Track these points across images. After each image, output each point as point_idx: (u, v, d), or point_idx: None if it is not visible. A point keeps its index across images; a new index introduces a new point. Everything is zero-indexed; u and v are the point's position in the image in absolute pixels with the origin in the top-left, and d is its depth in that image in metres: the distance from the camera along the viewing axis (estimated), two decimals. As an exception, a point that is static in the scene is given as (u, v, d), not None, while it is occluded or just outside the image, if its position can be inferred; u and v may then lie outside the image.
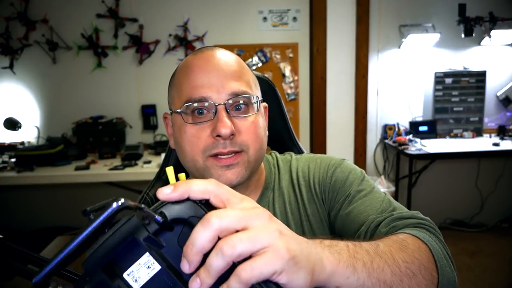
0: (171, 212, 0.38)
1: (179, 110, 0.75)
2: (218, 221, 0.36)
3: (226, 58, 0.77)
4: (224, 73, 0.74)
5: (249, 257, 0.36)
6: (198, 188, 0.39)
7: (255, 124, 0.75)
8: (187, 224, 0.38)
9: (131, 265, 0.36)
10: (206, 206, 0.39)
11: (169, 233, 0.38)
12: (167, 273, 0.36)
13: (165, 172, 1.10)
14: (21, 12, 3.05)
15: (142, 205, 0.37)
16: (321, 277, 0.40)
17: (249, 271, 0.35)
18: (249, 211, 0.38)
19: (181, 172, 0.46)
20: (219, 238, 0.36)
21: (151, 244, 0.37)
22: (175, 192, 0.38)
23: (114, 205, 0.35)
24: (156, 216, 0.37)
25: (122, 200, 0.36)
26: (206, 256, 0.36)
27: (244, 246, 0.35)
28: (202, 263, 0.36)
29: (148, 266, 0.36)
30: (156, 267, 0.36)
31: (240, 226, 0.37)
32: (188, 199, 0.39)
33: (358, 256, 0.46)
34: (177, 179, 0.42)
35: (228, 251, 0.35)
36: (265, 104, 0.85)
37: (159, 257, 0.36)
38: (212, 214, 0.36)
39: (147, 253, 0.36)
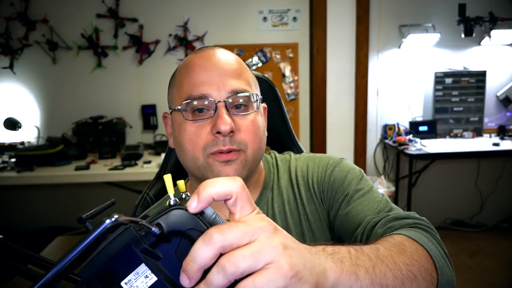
0: (168, 224, 0.37)
1: (179, 107, 0.75)
2: (221, 238, 0.35)
3: (227, 57, 0.77)
4: (224, 71, 0.75)
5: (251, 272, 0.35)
6: (221, 190, 0.38)
7: (254, 123, 0.76)
8: (185, 237, 0.38)
9: (128, 274, 0.36)
10: (205, 218, 0.38)
11: (166, 245, 0.37)
12: (164, 285, 0.36)
13: (165, 172, 1.10)
14: (21, 12, 3.05)
15: (138, 219, 0.37)
16: (325, 287, 0.40)
17: None
18: (253, 225, 0.37)
19: (179, 178, 0.45)
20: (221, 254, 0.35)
21: (148, 255, 0.36)
22: (203, 202, 0.38)
23: (107, 221, 0.35)
24: (153, 229, 0.36)
25: (116, 216, 0.35)
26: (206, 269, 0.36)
27: (247, 264, 0.34)
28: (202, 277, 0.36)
29: (146, 276, 0.36)
30: (154, 277, 0.36)
31: (244, 242, 0.36)
32: (185, 209, 0.38)
33: (360, 262, 0.46)
34: (175, 185, 0.42)
35: (231, 269, 0.34)
36: (264, 105, 0.85)
37: (156, 269, 0.36)
38: (214, 231, 0.35)
39: (143, 264, 0.36)
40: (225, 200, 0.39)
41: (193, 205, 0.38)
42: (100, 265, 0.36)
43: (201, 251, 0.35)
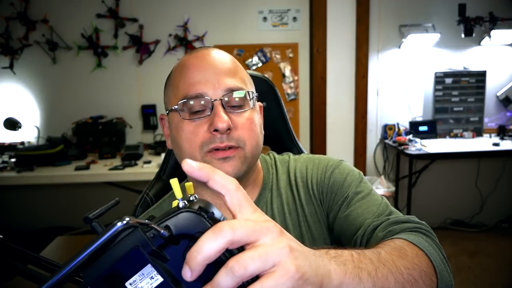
0: (177, 226, 0.37)
1: (176, 107, 0.75)
2: (231, 232, 0.34)
3: (221, 56, 0.78)
4: (219, 70, 0.75)
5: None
6: (220, 179, 0.39)
7: (250, 120, 0.76)
8: (193, 239, 0.37)
9: (133, 275, 0.35)
10: (214, 220, 0.38)
11: (174, 247, 0.37)
12: (170, 286, 0.35)
13: (165, 172, 1.10)
14: (21, 12, 3.05)
15: (148, 222, 0.36)
16: None
17: None
18: (261, 225, 0.37)
19: (180, 178, 0.45)
20: (227, 257, 0.35)
21: (156, 257, 0.36)
22: (200, 170, 0.39)
23: (118, 224, 0.35)
24: (162, 231, 0.36)
25: (127, 219, 0.35)
26: (209, 270, 0.35)
27: (255, 266, 0.34)
28: (206, 278, 0.35)
29: (152, 277, 0.35)
30: (159, 278, 0.36)
31: (251, 240, 0.36)
32: (195, 212, 0.38)
33: (362, 265, 0.46)
34: (183, 189, 0.41)
35: (240, 271, 0.34)
36: (260, 103, 0.86)
37: (163, 271, 0.36)
38: (225, 224, 0.35)
39: (149, 265, 0.36)
40: (223, 199, 0.39)
41: (192, 164, 0.39)
42: (106, 267, 0.36)
43: (209, 242, 0.34)
